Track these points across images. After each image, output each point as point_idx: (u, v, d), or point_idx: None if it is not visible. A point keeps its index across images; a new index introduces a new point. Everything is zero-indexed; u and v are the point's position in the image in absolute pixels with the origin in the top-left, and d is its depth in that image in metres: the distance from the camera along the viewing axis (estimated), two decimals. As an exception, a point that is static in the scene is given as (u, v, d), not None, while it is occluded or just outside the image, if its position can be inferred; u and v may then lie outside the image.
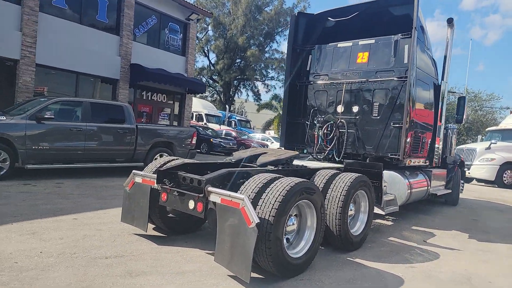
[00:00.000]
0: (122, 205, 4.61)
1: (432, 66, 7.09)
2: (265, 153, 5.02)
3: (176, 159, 4.81)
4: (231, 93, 43.67)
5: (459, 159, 8.69)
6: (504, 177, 13.67)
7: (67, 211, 5.43)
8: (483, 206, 9.12)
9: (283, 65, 38.24)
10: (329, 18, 6.96)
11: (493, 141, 14.28)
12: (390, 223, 6.38)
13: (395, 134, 6.05)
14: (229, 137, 20.63)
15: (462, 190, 9.01)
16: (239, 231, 3.23)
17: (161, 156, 9.74)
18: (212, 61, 42.38)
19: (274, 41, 43.60)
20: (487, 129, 18.19)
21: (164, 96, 17.02)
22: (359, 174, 4.61)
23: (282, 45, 47.14)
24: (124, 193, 4.59)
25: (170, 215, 4.56)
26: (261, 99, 45.28)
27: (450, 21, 7.02)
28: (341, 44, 6.85)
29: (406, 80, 5.81)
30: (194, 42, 17.98)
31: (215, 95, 46.25)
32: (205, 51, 41.60)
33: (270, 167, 4.64)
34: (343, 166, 5.63)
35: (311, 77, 7.21)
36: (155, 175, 4.16)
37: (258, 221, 3.13)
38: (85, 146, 8.40)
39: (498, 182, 13.76)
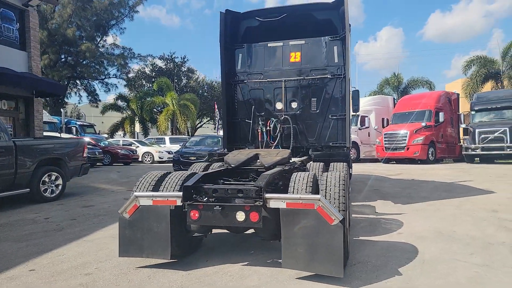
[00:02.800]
0: (120, 236, 3.79)
1: None
2: (258, 154, 4.94)
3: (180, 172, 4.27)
4: (61, 94, 37.80)
5: None
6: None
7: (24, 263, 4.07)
8: (367, 178, 11.22)
9: (128, 62, 35.66)
10: (256, 17, 7.19)
11: None
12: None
13: (334, 125, 6.87)
14: (90, 146, 18.13)
15: None
16: (319, 230, 3.25)
17: (49, 176, 8.04)
18: (35, 58, 35.58)
19: (107, 35, 39.95)
20: None
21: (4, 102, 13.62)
22: (344, 163, 5.14)
23: (119, 39, 43.78)
24: (120, 222, 3.79)
25: (196, 234, 4.02)
26: (99, 100, 40.97)
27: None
28: (271, 44, 7.20)
29: (340, 77, 6.67)
30: (37, 33, 14.93)
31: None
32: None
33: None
34: (307, 158, 6.07)
35: (243, 75, 7.32)
36: (178, 193, 3.64)
37: (342, 217, 3.23)
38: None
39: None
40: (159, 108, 37.17)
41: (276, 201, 3.39)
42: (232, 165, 4.67)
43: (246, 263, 3.93)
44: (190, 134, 35.46)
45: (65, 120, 30.08)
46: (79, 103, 42.83)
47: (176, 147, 24.49)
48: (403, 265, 3.73)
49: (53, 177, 8.16)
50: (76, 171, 8.96)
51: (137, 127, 36.62)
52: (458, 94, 20.53)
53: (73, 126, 30.28)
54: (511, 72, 25.81)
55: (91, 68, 36.91)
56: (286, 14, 7.03)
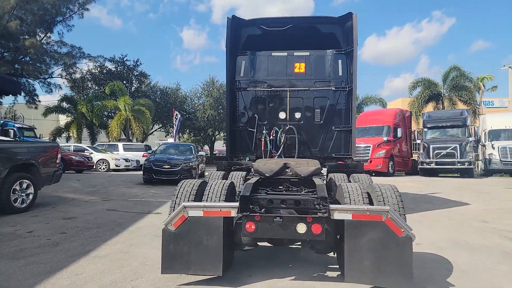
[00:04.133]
0: (163, 250, 3.45)
1: None
2: (287, 163, 4.82)
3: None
4: (-4, 93, 34.19)
5: None
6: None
7: None
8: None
9: (76, 61, 33.36)
10: (261, 26, 7.14)
11: None
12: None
13: (337, 136, 6.98)
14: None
15: None
16: (387, 243, 3.22)
17: (20, 185, 7.20)
18: (-34, 51, 32.06)
19: (52, 31, 37.05)
20: None
21: None
22: (366, 175, 5.21)
23: (66, 36, 40.87)
24: (164, 235, 3.45)
25: (246, 247, 3.77)
26: (39, 101, 37.68)
27: None
28: (275, 53, 7.18)
29: (345, 90, 6.83)
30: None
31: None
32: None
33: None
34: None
35: (246, 83, 7.19)
36: (233, 204, 3.42)
37: (411, 229, 3.24)
38: None
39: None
40: (109, 113, 35.23)
41: (341, 212, 3.31)
42: (267, 175, 4.50)
43: (293, 277, 3.77)
44: (142, 141, 33.98)
45: (1, 121, 27.35)
46: (14, 103, 39.05)
47: (130, 154, 23.25)
48: (448, 276, 3.83)
49: (24, 185, 7.28)
50: (48, 179, 8.10)
51: (83, 132, 34.22)
52: (410, 112, 22.13)
53: (11, 129, 27.53)
54: (451, 94, 28.56)
55: (32, 66, 33.91)
56: (291, 25, 7.07)
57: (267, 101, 7.19)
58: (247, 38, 7.25)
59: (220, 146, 51.99)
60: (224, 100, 34.18)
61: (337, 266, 4.04)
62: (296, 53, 7.16)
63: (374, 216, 3.26)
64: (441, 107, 29.11)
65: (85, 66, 38.05)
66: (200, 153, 15.95)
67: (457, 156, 16.78)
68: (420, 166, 18.12)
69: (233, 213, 3.40)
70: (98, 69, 37.78)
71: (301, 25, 7.14)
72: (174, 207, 3.75)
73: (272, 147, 6.95)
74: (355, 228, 3.28)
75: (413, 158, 21.58)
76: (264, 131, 6.98)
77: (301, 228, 3.32)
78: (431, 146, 17.48)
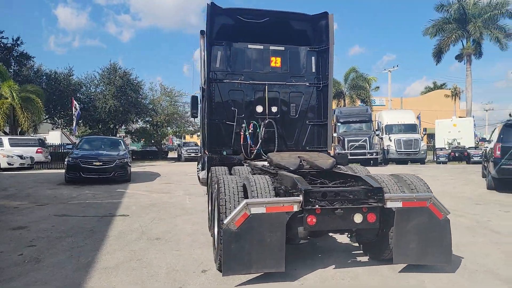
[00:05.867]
0: (224, 251, 3.25)
1: None
2: (301, 157, 4.87)
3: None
4: None
5: None
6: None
7: None
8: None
9: None
10: (238, 16, 6.96)
11: None
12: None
13: (311, 131, 7.27)
14: None
15: None
16: (430, 225, 3.60)
17: None
18: None
19: None
20: None
21: None
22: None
23: None
24: (225, 235, 3.26)
25: (302, 241, 3.71)
26: None
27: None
28: (251, 45, 7.09)
29: (318, 86, 7.15)
30: None
31: None
32: None
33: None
34: None
35: (222, 75, 6.95)
36: (296, 198, 3.39)
37: (449, 212, 3.68)
38: None
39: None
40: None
41: (393, 201, 3.56)
42: (291, 168, 4.49)
43: (333, 266, 3.92)
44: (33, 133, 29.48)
45: None
46: None
47: (18, 150, 19.87)
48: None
49: None
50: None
51: None
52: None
53: None
54: (351, 92, 31.94)
55: None
56: (267, 18, 7.04)
57: (244, 94, 7.05)
58: (221, 27, 6.97)
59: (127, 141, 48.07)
60: (128, 89, 31.62)
61: (361, 251, 4.34)
62: (272, 47, 7.16)
63: (420, 202, 3.60)
64: (342, 104, 32.36)
65: None
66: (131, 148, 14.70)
67: (367, 148, 18.99)
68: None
69: (295, 208, 3.37)
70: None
71: (276, 19, 7.15)
72: (224, 206, 3.51)
73: (251, 141, 6.88)
74: (404, 214, 3.56)
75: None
76: (243, 125, 6.86)
77: (358, 218, 3.47)
78: (346, 139, 19.39)
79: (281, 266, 3.35)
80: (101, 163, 11.34)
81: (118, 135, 33.87)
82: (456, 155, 21.97)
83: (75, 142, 22.19)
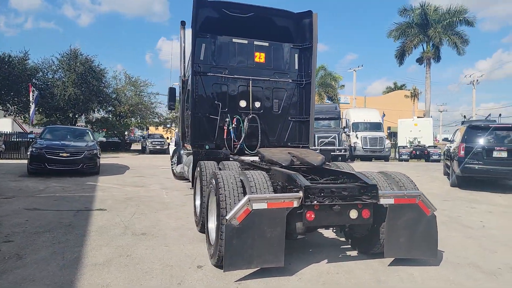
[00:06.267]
0: (226, 247, 3.26)
1: None
2: (292, 152, 4.91)
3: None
4: None
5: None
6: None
7: None
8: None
9: None
10: (223, 9, 6.88)
11: None
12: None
13: (293, 126, 7.36)
14: None
15: None
16: (418, 221, 3.81)
17: None
18: None
19: None
20: None
21: None
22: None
23: None
24: (227, 231, 3.26)
25: (300, 236, 3.75)
26: None
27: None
28: (236, 40, 7.04)
29: (301, 83, 7.26)
30: None
31: None
32: None
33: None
34: None
35: (207, 68, 6.86)
36: (296, 194, 3.45)
37: (436, 208, 3.89)
38: None
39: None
40: None
41: (386, 198, 3.71)
42: (284, 164, 4.54)
43: (326, 260, 4.03)
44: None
45: None
46: None
47: None
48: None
49: None
50: None
51: None
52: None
53: None
54: (320, 90, 32.58)
55: None
56: (252, 13, 7.01)
57: (228, 88, 7.00)
58: (205, 19, 6.85)
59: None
60: (90, 77, 30.02)
61: (348, 246, 4.49)
62: (256, 42, 7.15)
63: (410, 199, 3.78)
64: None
65: None
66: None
67: (336, 144, 19.51)
68: (307, 153, 20.35)
69: (295, 204, 3.42)
70: None
71: (261, 15, 7.14)
72: (224, 201, 3.49)
73: (234, 136, 6.85)
74: (395, 211, 3.73)
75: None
76: (227, 119, 6.81)
77: (354, 214, 3.59)
78: (316, 135, 19.73)
79: (280, 261, 3.40)
80: (68, 154, 10.80)
81: (77, 124, 32.16)
82: (417, 153, 23.11)
83: (31, 132, 20.88)
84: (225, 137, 6.81)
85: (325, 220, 3.57)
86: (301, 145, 7.25)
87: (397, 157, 23.92)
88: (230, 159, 6.15)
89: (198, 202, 5.35)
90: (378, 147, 22.05)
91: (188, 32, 7.11)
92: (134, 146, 39.72)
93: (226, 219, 3.24)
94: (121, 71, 54.08)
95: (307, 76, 7.29)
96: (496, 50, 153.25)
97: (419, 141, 25.08)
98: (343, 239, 4.75)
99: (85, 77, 29.51)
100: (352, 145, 22.66)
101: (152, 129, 48.75)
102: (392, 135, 37.79)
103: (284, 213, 3.39)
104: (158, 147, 29.58)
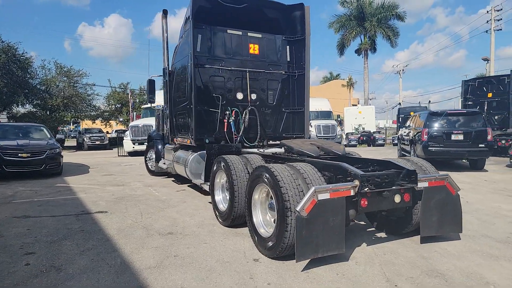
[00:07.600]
0: (297, 238, 3.37)
1: None
2: (317, 143, 5.07)
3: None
4: None
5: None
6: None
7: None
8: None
9: None
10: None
11: None
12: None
13: (287, 117, 7.52)
14: None
15: None
16: (447, 201, 4.24)
17: None
18: None
19: None
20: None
21: None
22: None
23: None
24: (298, 222, 3.37)
25: (351, 223, 3.91)
26: None
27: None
28: (230, 31, 6.98)
29: (294, 75, 7.43)
30: None
31: None
32: None
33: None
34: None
35: (203, 59, 6.72)
36: (353, 183, 3.66)
37: (460, 189, 4.35)
38: None
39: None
40: None
41: (422, 182, 4.07)
42: (313, 155, 4.68)
43: (365, 244, 4.30)
44: None
45: None
46: None
47: None
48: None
49: None
50: None
51: None
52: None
53: None
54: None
55: None
56: (246, 4, 6.95)
57: (224, 80, 6.90)
58: (198, 9, 6.65)
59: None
60: (14, 67, 26.93)
61: (372, 229, 4.82)
62: (250, 34, 7.12)
63: (440, 181, 4.18)
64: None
65: None
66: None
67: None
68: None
69: (352, 192, 3.62)
70: None
71: (253, 6, 7.11)
72: (286, 193, 3.55)
73: (234, 128, 6.80)
74: (428, 193, 4.11)
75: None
76: (227, 112, 6.74)
77: (398, 198, 3.90)
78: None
79: (342, 248, 3.59)
80: (29, 155, 9.80)
81: (-2, 120, 28.61)
82: (364, 138, 24.76)
83: None
84: (225, 130, 6.76)
85: (376, 206, 3.83)
86: (294, 136, 7.47)
87: (347, 143, 25.39)
88: (243, 152, 6.12)
89: (219, 198, 5.31)
90: (330, 135, 23.16)
91: (171, 21, 6.88)
92: (68, 143, 36.66)
93: (297, 211, 3.32)
94: (51, 60, 49.04)
95: (299, 67, 7.46)
96: (412, 41, 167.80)
97: (363, 128, 26.83)
98: (362, 222, 5.09)
99: (8, 67, 26.00)
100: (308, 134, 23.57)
101: (88, 123, 45.27)
102: (339, 122, 39.98)
103: (343, 201, 3.56)
104: (97, 142, 27.32)
